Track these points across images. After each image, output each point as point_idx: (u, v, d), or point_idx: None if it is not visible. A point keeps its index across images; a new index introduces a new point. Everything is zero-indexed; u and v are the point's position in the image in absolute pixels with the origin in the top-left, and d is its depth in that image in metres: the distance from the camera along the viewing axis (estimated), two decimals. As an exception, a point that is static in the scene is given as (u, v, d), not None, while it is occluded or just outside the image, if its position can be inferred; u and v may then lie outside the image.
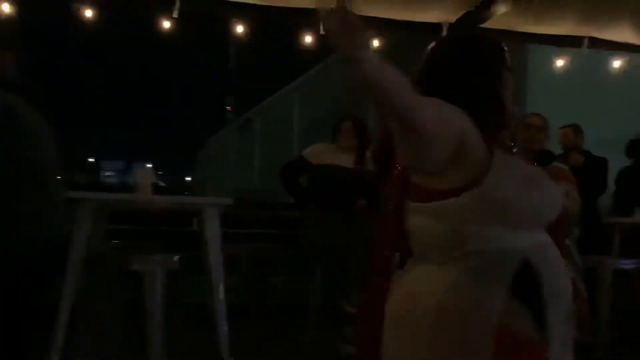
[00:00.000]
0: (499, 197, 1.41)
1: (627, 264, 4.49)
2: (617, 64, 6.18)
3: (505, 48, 1.60)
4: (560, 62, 6.21)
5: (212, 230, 3.53)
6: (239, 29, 5.46)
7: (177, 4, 4.89)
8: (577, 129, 5.50)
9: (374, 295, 1.53)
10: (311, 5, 5.24)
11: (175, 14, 4.96)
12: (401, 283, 1.50)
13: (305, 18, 5.37)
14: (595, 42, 5.84)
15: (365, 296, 1.57)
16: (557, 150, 5.45)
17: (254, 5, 5.28)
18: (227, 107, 35.94)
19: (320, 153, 4.35)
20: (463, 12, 5.45)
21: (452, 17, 5.57)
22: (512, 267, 1.40)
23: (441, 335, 1.38)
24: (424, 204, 1.45)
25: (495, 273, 1.40)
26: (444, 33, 5.61)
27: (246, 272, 5.05)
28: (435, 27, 5.67)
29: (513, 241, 1.42)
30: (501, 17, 5.29)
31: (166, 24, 5.10)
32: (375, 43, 6.14)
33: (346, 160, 4.24)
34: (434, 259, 1.44)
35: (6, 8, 4.80)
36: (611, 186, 5.52)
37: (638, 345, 4.59)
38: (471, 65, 1.53)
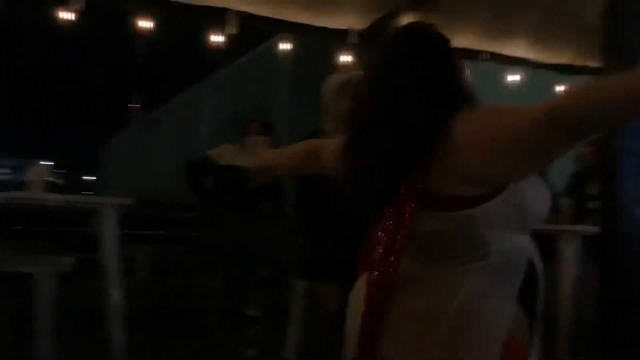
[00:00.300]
0: (519, 202, 1.42)
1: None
2: (513, 78, 6.51)
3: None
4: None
5: (109, 231, 3.40)
6: (146, 24, 5.32)
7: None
8: None
9: (379, 295, 1.47)
10: (221, 4, 5.18)
11: (80, 6, 4.77)
12: (420, 281, 1.45)
13: (216, 17, 5.31)
14: (494, 56, 6.13)
15: (371, 293, 1.48)
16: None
17: (164, 1, 5.17)
18: (133, 105, 34.91)
19: (226, 154, 4.30)
20: (371, 20, 5.57)
21: (360, 25, 5.68)
22: (524, 266, 1.43)
23: (460, 337, 1.36)
24: (450, 213, 1.41)
25: (513, 271, 1.41)
26: (351, 40, 5.72)
27: (145, 275, 4.91)
28: (343, 34, 5.77)
29: (521, 242, 1.46)
30: (407, 27, 5.45)
31: (70, 17, 4.89)
32: (287, 46, 6.17)
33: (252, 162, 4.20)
34: (455, 259, 1.42)
35: None
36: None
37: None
38: (440, 59, 1.52)
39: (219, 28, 5.45)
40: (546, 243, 4.36)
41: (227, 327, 4.17)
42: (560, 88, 6.72)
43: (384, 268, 1.44)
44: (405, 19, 5.21)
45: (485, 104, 1.43)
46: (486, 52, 6.06)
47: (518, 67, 6.43)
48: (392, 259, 1.43)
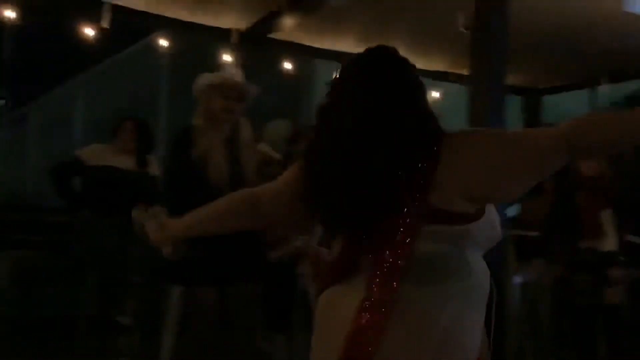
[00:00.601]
0: (492, 219, 1.52)
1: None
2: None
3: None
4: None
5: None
6: (10, 14, 4.95)
7: None
8: None
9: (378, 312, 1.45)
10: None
11: None
12: (414, 303, 1.45)
13: (90, 9, 5.04)
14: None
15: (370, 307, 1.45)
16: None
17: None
18: (-1, 100, 32.48)
19: (96, 154, 4.08)
20: (252, 20, 5.52)
21: (242, 25, 5.61)
22: (488, 287, 1.53)
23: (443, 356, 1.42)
24: (451, 227, 1.45)
25: (483, 292, 1.51)
26: (233, 40, 5.64)
27: (7, 282, 4.55)
28: (225, 33, 5.68)
29: (483, 262, 1.54)
30: (288, 29, 5.45)
31: None
32: (166, 44, 5.98)
33: (125, 162, 4.02)
34: (446, 281, 1.46)
35: None
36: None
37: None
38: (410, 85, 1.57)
39: (94, 21, 5.19)
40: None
41: (98, 335, 3.96)
42: (435, 94, 7.01)
43: (385, 290, 1.43)
44: (287, 21, 5.21)
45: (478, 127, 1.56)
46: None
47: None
48: (394, 282, 1.43)
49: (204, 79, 3.15)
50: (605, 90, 7.43)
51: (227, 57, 5.70)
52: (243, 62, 5.68)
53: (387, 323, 1.43)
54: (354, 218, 1.49)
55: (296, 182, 1.65)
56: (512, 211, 7.58)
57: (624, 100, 8.79)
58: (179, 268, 2.96)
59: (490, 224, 1.52)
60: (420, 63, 6.81)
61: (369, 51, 1.63)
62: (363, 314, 1.44)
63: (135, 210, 1.98)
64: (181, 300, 3.01)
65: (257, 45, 5.83)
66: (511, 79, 7.29)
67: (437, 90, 6.98)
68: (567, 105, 8.33)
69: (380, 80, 1.53)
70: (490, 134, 1.55)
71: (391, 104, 1.50)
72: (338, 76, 1.62)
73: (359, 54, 1.63)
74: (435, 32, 5.34)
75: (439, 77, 6.91)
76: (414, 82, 1.58)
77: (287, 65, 6.30)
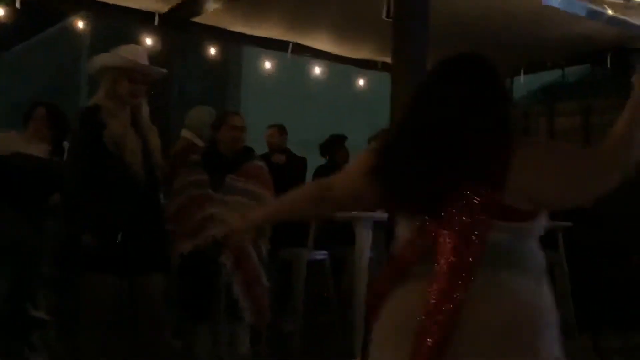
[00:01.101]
0: (545, 213, 1.70)
1: (320, 255, 4.87)
2: (318, 70, 6.70)
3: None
4: (268, 65, 6.51)
5: None
6: None
7: None
8: (281, 130, 5.82)
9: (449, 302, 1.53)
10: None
11: None
12: (495, 287, 1.57)
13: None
14: (298, 48, 6.24)
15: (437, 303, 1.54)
16: (264, 148, 5.71)
17: None
18: None
19: (6, 142, 3.87)
20: (173, 3, 5.37)
21: (164, 7, 5.46)
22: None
23: (541, 342, 1.56)
24: (513, 224, 1.61)
25: (546, 282, 1.66)
26: (156, 22, 5.48)
27: None
28: (148, 15, 5.51)
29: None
30: (212, 13, 5.34)
31: None
32: (85, 26, 5.74)
33: (38, 150, 3.84)
34: (517, 268, 1.60)
35: None
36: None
37: (328, 331, 5.03)
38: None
39: (7, 2, 4.93)
40: (346, 229, 4.56)
41: (11, 331, 3.78)
42: (360, 82, 7.06)
43: (457, 278, 1.53)
44: (209, 4, 5.10)
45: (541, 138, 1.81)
46: (291, 43, 6.15)
47: (321, 60, 6.62)
48: (466, 269, 1.53)
49: (103, 59, 3.10)
50: (524, 80, 7.69)
51: (149, 41, 5.53)
52: (166, 46, 5.54)
53: (461, 306, 1.52)
54: (431, 205, 1.62)
55: (369, 170, 1.76)
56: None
57: (540, 91, 9.13)
58: (86, 258, 2.88)
59: (545, 218, 1.69)
60: (345, 51, 6.87)
61: (462, 56, 1.79)
62: (436, 299, 1.54)
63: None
64: (91, 291, 2.93)
65: (180, 29, 5.68)
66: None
67: (362, 78, 7.04)
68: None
69: (473, 87, 1.70)
70: (554, 145, 1.79)
71: (481, 110, 1.66)
72: (430, 76, 1.81)
73: (452, 58, 1.79)
74: (360, 19, 5.35)
75: (365, 65, 6.96)
76: (502, 91, 1.78)
77: (213, 51, 6.18)
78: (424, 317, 1.53)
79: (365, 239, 4.47)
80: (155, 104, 5.95)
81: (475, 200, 1.57)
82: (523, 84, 7.89)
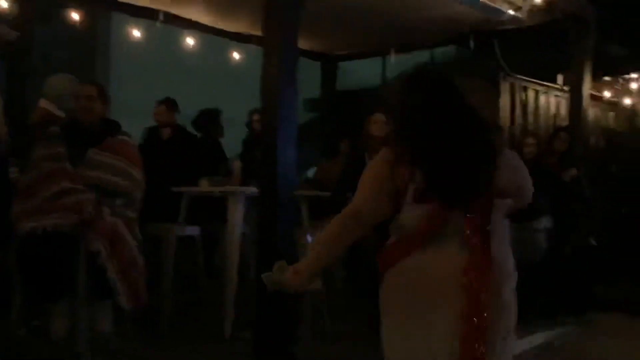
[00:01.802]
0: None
1: (192, 231, 4.79)
2: (192, 42, 6.51)
3: None
4: (138, 34, 6.24)
5: None
6: None
7: None
8: (170, 104, 5.56)
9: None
10: None
11: None
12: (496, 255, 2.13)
13: None
14: (170, 18, 6.03)
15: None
16: (138, 121, 5.47)
17: None
18: None
19: None
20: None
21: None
22: None
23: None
24: (502, 200, 2.18)
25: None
26: None
27: None
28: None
29: None
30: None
31: None
32: None
33: None
34: (504, 236, 2.19)
35: None
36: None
37: (198, 305, 4.99)
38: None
39: None
40: (219, 205, 4.51)
41: None
42: (236, 56, 6.96)
43: (483, 250, 2.07)
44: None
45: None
46: (163, 13, 5.93)
47: (194, 31, 6.44)
48: (487, 242, 2.09)
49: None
50: (396, 59, 7.94)
51: (4, 3, 5.11)
52: (25, 9, 5.15)
53: (488, 274, 2.07)
54: (464, 195, 2.08)
55: (388, 182, 2.17)
56: (310, 172, 7.89)
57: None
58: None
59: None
60: (222, 24, 6.71)
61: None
62: (471, 272, 2.05)
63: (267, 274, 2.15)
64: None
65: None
66: (310, 45, 7.49)
67: (238, 52, 6.94)
68: (363, 73, 8.79)
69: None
70: (515, 156, 2.33)
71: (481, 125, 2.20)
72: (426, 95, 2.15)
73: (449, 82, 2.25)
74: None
75: (241, 39, 6.85)
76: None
77: (78, 16, 5.83)
78: (461, 276, 2.06)
79: (237, 214, 4.45)
80: (15, 70, 5.58)
81: (488, 187, 2.14)
82: (397, 63, 8.16)
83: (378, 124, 4.75)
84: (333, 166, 5.81)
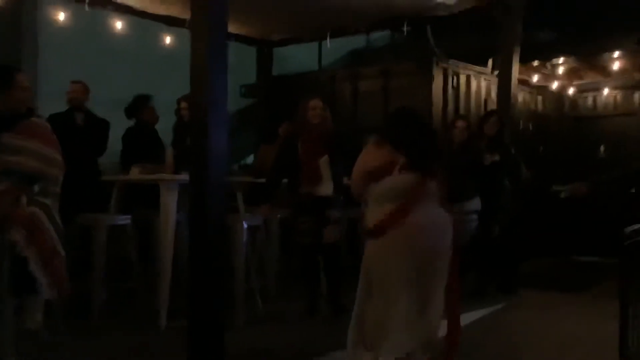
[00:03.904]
0: None
1: (122, 220, 4.70)
2: (121, 25, 6.34)
3: None
4: (64, 17, 6.03)
5: None
6: None
7: None
8: (85, 87, 5.37)
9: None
10: None
11: None
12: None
13: None
14: (99, 1, 5.85)
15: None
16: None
17: None
18: None
19: None
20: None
21: None
22: None
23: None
24: None
25: None
26: None
27: None
28: None
29: None
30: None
31: None
32: None
33: None
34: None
35: None
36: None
37: (131, 295, 4.91)
38: None
39: None
40: (152, 192, 4.43)
41: None
42: (167, 40, 6.82)
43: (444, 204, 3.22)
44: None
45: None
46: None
47: (125, 15, 6.28)
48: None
49: None
50: (334, 46, 7.97)
51: None
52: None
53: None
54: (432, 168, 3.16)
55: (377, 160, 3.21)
56: (250, 159, 7.85)
57: (348, 55, 9.53)
58: None
59: None
60: (154, 8, 6.54)
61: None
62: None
63: None
64: None
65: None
66: (245, 29, 7.42)
67: (170, 36, 6.81)
68: (299, 58, 8.77)
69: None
70: None
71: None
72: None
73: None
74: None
75: (174, 23, 6.72)
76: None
77: (1, 1, 5.58)
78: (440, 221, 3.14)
79: (171, 202, 4.39)
80: None
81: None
82: (333, 49, 8.19)
83: (316, 110, 4.75)
84: (272, 151, 5.79)
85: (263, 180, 5.23)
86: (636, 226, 3.62)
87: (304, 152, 4.75)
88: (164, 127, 6.01)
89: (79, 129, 5.17)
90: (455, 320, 3.24)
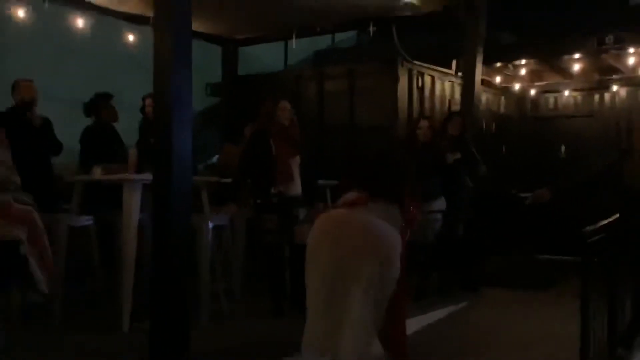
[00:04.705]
0: None
1: (84, 221, 4.60)
2: (82, 23, 6.21)
3: None
4: (22, 14, 5.88)
5: None
6: None
7: None
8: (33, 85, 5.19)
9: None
10: None
11: None
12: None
13: None
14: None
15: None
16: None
17: None
18: None
19: None
20: None
21: None
22: None
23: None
24: None
25: None
26: None
27: None
28: None
29: None
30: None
31: None
32: None
33: None
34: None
35: None
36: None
37: (93, 297, 4.82)
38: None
39: None
40: (115, 192, 4.35)
41: None
42: (130, 38, 6.71)
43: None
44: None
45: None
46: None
47: (86, 12, 6.15)
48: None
49: None
50: (298, 44, 7.95)
51: None
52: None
53: None
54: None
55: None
56: (216, 158, 7.78)
57: (314, 55, 9.54)
58: None
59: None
60: (116, 5, 6.42)
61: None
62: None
63: None
64: None
65: None
66: (210, 28, 7.35)
67: (133, 34, 6.70)
68: (265, 57, 8.74)
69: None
70: None
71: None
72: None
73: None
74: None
75: (138, 20, 6.61)
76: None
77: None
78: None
79: (134, 202, 4.32)
80: None
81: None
82: (299, 49, 8.18)
83: (285, 112, 4.84)
84: (236, 151, 5.75)
85: (229, 180, 5.20)
86: (597, 225, 3.69)
87: (278, 150, 4.79)
88: (128, 126, 5.92)
89: (34, 129, 5.02)
90: (400, 332, 3.10)
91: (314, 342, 2.90)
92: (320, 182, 6.11)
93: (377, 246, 2.87)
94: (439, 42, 7.86)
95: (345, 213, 3.06)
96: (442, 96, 7.53)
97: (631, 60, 7.60)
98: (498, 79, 8.58)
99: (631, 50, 7.31)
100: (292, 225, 4.77)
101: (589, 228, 3.57)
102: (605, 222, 3.77)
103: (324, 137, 7.24)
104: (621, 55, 7.55)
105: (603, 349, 3.78)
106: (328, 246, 2.94)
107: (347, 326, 2.80)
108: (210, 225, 4.58)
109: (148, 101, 5.38)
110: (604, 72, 8.30)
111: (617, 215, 3.92)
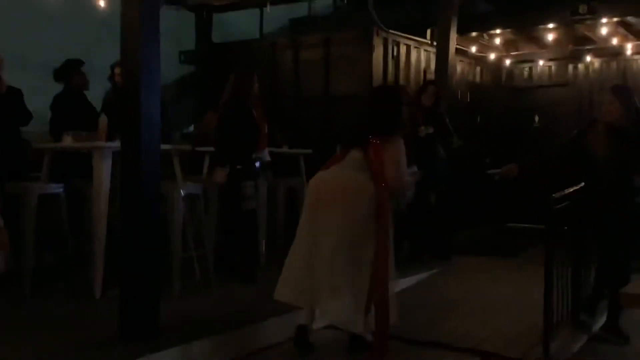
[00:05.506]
0: None
1: (54, 188, 4.56)
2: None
3: None
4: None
5: None
6: None
7: None
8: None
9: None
10: None
11: None
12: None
13: None
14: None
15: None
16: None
17: None
18: None
19: None
20: None
21: None
22: None
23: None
24: None
25: None
26: None
27: None
28: None
29: None
30: None
31: None
32: None
33: None
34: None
35: None
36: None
37: (64, 265, 4.81)
38: None
39: None
40: (86, 160, 4.30)
41: None
42: (100, 2, 6.56)
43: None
44: None
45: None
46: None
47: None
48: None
49: None
50: (273, 12, 7.86)
51: None
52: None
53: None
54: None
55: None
56: (190, 127, 7.72)
57: (290, 23, 9.43)
58: None
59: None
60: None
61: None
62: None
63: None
64: None
65: None
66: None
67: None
68: (240, 25, 8.62)
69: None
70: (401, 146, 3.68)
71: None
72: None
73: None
74: None
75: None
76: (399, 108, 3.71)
77: None
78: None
79: (104, 170, 4.28)
80: None
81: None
82: (275, 17, 8.08)
83: (257, 84, 4.98)
84: (211, 120, 5.70)
85: (205, 149, 5.21)
86: (563, 192, 3.76)
87: (258, 118, 4.93)
88: (100, 94, 5.84)
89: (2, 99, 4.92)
90: (383, 289, 3.30)
91: (287, 290, 3.36)
92: (295, 150, 6.12)
93: (339, 196, 3.32)
94: (415, 10, 7.82)
95: (321, 173, 3.51)
96: (418, 66, 7.52)
97: (604, 31, 7.64)
98: (473, 49, 8.58)
99: (604, 20, 7.34)
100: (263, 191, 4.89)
101: (555, 196, 3.63)
102: (570, 190, 3.84)
103: (299, 106, 7.22)
104: (594, 25, 7.59)
105: (566, 314, 3.89)
106: (306, 206, 3.47)
107: (321, 272, 3.24)
108: (182, 193, 4.56)
109: (117, 70, 5.29)
110: (578, 42, 8.35)
111: (582, 183, 3.99)
